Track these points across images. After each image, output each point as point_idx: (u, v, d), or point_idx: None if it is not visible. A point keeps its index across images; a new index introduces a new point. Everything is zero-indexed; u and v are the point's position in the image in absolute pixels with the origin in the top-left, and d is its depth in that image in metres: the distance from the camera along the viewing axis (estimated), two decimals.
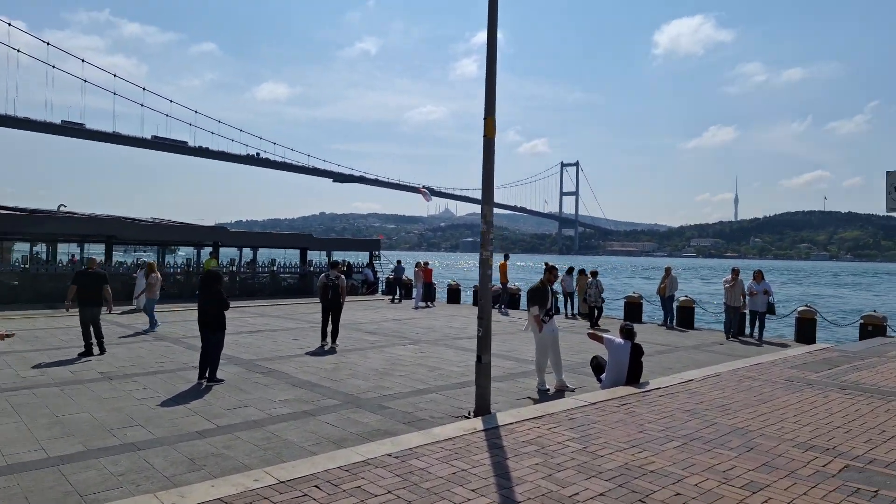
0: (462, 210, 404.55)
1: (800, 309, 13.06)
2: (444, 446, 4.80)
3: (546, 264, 8.11)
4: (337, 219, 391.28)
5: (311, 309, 17.71)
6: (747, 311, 13.00)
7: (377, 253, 25.41)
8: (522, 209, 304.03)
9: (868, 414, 5.84)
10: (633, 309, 16.35)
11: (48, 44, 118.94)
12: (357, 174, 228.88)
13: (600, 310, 15.44)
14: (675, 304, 15.37)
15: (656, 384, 7.12)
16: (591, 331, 7.72)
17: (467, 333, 13.06)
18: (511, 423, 5.34)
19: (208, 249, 22.13)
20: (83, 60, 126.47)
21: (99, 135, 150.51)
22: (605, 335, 7.47)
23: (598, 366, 7.68)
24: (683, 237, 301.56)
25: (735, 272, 13.03)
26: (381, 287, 24.62)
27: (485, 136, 6.43)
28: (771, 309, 12.51)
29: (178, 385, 7.64)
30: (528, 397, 7.32)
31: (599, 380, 7.57)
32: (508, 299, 19.08)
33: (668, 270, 15.53)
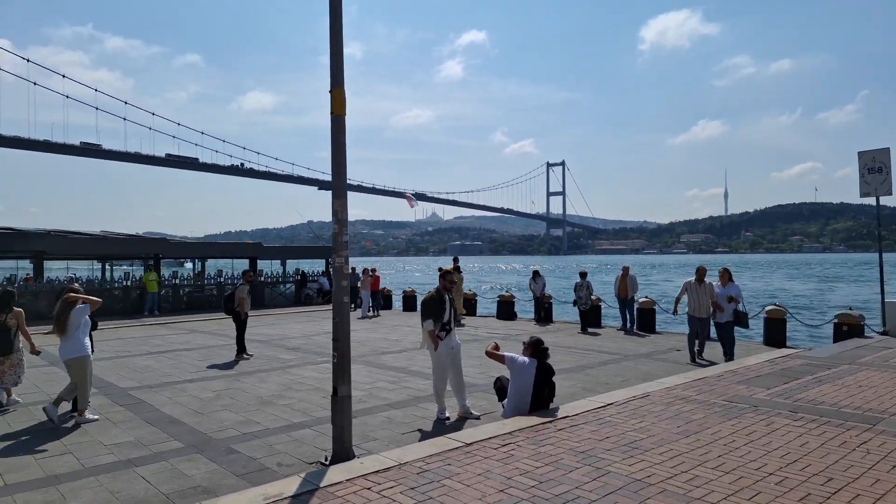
0: (449, 214, 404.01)
1: (768, 308, 11.81)
2: None
3: (440, 269, 6.81)
4: (325, 227, 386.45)
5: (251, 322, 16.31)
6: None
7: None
8: (510, 210, 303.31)
9: (816, 451, 4.56)
10: (593, 312, 15.08)
11: (28, 60, 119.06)
12: None
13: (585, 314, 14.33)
14: (635, 307, 14.16)
15: (567, 411, 5.82)
16: (490, 349, 6.42)
17: (400, 346, 11.76)
18: (337, 484, 4.01)
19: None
20: (64, 76, 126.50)
21: (115, 154, 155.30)
22: (506, 354, 6.17)
23: (501, 388, 6.38)
24: (673, 233, 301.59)
25: (700, 272, 9.98)
26: None
27: (332, 112, 5.15)
28: (741, 320, 9.71)
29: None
30: (419, 429, 6.02)
31: (504, 406, 6.28)
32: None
33: (625, 270, 14.29)
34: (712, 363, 9.32)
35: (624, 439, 4.87)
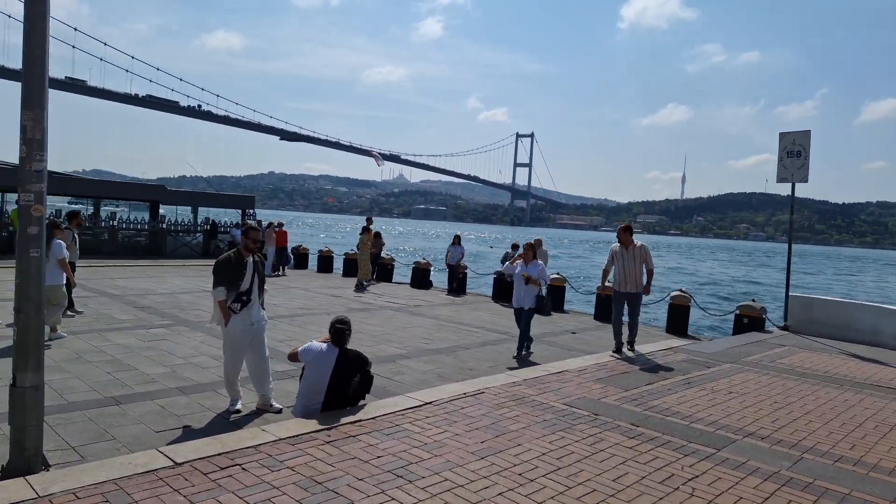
0: (416, 176, 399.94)
1: (672, 294, 11.03)
2: None
3: (245, 223, 5.45)
4: (287, 179, 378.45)
5: (130, 272, 14.61)
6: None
7: (251, 211, 22.22)
8: (476, 178, 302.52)
9: (629, 489, 3.54)
10: (502, 286, 14.12)
11: None
12: (306, 133, 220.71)
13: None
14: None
15: (365, 413, 4.66)
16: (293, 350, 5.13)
17: (274, 312, 10.37)
18: None
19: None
20: None
21: (98, 91, 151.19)
22: (301, 347, 4.92)
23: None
24: (631, 213, 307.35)
25: (623, 232, 7.77)
26: None
27: None
28: (540, 305, 7.98)
29: None
30: (186, 426, 4.76)
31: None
32: (378, 270, 16.63)
33: (537, 243, 13.25)
34: (640, 355, 7.68)
35: (399, 461, 3.73)
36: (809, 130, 9.73)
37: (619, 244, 7.90)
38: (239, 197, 23.44)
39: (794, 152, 9.78)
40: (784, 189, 10.36)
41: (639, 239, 7.90)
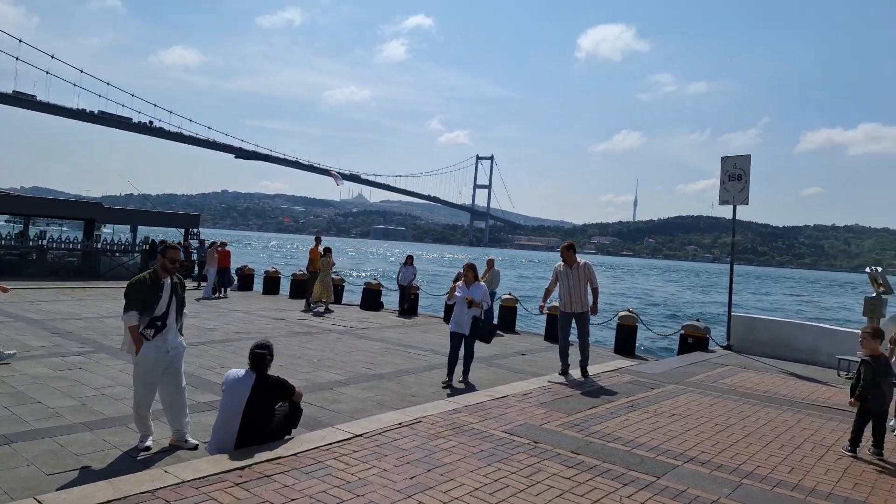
0: (376, 196, 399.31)
1: (620, 314, 11.07)
2: None
3: (162, 242, 5.05)
4: (241, 197, 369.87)
5: (56, 295, 13.58)
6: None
7: (195, 231, 21.30)
8: (436, 199, 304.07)
9: None
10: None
11: None
12: (263, 151, 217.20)
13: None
14: (497, 303, 13.10)
15: (287, 448, 4.28)
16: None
17: (207, 337, 9.79)
18: None
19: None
20: None
21: (47, 107, 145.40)
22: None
23: None
24: (586, 234, 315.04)
25: (566, 250, 7.67)
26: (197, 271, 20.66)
27: None
28: (476, 328, 7.19)
29: None
30: (84, 467, 4.25)
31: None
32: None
33: (490, 263, 13.16)
34: (586, 377, 7.54)
35: (324, 498, 3.38)
36: (749, 155, 10.05)
37: (562, 263, 7.81)
38: (182, 215, 22.44)
39: (736, 176, 10.06)
40: (729, 212, 10.60)
41: (583, 258, 7.86)
